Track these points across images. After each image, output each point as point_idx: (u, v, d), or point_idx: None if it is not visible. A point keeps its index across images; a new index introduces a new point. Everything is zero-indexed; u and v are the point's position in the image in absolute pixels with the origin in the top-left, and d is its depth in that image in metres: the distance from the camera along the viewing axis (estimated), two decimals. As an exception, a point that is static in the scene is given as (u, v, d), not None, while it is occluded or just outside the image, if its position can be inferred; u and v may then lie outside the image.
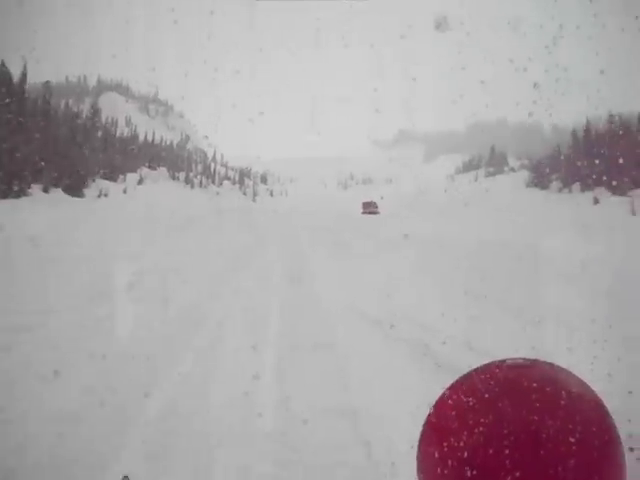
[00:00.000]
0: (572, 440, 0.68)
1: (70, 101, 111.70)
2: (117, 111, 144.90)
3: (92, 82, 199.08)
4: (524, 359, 0.79)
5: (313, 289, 10.39)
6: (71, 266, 12.74)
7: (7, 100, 51.53)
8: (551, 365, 0.78)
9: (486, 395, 0.71)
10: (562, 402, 0.71)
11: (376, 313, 8.60)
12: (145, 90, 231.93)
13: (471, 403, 0.72)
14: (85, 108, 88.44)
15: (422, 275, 11.77)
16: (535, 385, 0.72)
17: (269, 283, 11.55)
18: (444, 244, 16.51)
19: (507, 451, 0.66)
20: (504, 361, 0.79)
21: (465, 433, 0.69)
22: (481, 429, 0.68)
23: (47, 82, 64.64)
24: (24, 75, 57.53)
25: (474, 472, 0.67)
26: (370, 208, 48.70)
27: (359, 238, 19.82)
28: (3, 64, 55.73)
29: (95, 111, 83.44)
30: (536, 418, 0.68)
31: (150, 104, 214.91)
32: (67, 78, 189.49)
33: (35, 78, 67.57)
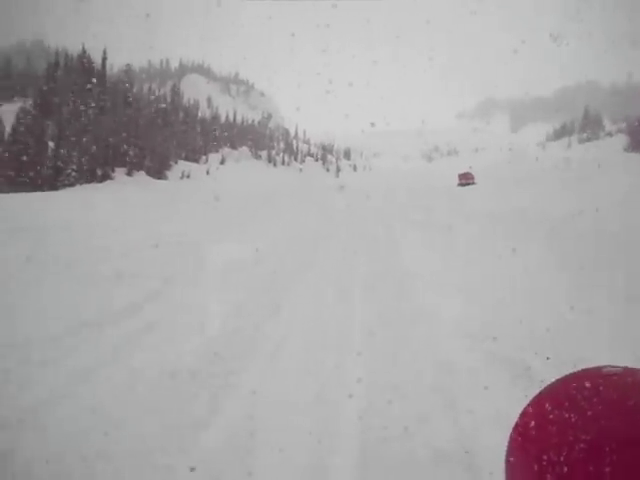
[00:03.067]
0: None
1: (153, 85, 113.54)
2: (199, 92, 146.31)
3: (174, 65, 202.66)
4: (624, 367, 0.77)
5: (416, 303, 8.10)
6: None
7: (89, 85, 51.98)
8: None
9: (589, 413, 0.70)
10: None
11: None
12: (226, 70, 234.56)
13: (573, 420, 0.71)
14: (167, 91, 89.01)
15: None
16: None
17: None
18: (556, 219, 14.11)
19: (608, 469, 0.65)
20: (600, 368, 0.78)
21: (565, 448, 0.69)
22: (582, 446, 0.68)
23: (128, 65, 64.97)
24: (104, 60, 57.94)
25: None
26: (467, 179, 47.15)
27: (456, 216, 16.95)
28: (84, 50, 56.25)
29: (176, 93, 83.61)
30: None
31: (231, 84, 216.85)
32: (150, 62, 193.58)
33: (119, 63, 68.34)
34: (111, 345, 5.63)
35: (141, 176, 53.34)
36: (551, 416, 0.73)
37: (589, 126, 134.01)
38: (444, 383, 4.76)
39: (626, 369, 0.77)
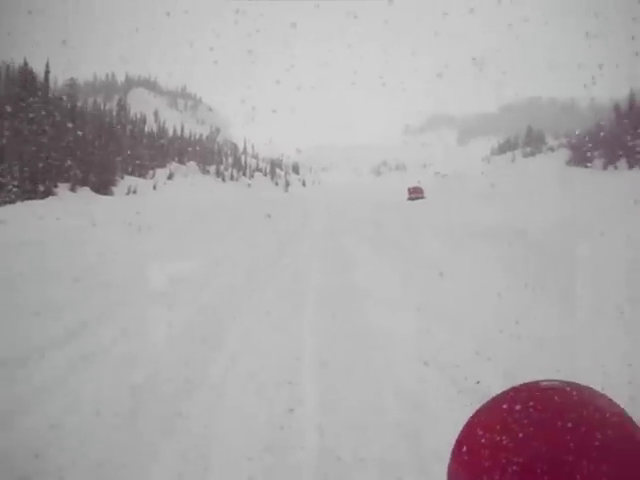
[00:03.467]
0: None
1: (98, 99, 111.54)
2: (146, 106, 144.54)
3: (120, 79, 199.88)
4: (560, 381, 0.78)
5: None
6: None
7: (31, 99, 50.59)
8: (589, 390, 0.77)
9: (520, 435, 0.70)
10: (596, 443, 0.69)
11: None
12: (173, 85, 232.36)
13: (504, 442, 0.71)
14: (113, 105, 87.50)
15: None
16: (570, 425, 0.70)
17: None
18: (508, 233, 14.15)
19: None
20: (536, 383, 0.78)
21: (499, 472, 0.69)
22: (515, 468, 0.68)
23: (71, 79, 63.58)
24: (47, 73, 56.56)
25: None
26: (416, 193, 46.72)
27: (408, 232, 16.50)
28: (25, 62, 54.77)
29: (122, 107, 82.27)
30: (570, 459, 0.68)
31: (179, 98, 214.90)
32: (95, 75, 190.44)
33: (62, 77, 66.85)
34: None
35: (85, 192, 52.09)
36: (483, 440, 0.73)
37: (532, 141, 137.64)
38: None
39: (561, 383, 0.77)
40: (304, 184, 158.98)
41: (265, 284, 10.35)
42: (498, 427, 0.73)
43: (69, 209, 29.61)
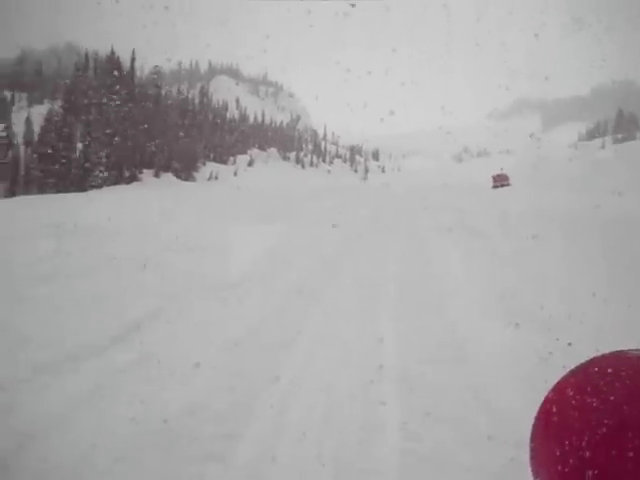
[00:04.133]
0: None
1: (182, 87, 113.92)
2: (228, 94, 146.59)
3: (204, 67, 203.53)
4: None
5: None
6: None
7: (117, 87, 51.96)
8: None
9: (611, 398, 0.70)
10: None
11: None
12: (255, 72, 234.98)
13: (595, 404, 0.70)
14: (196, 93, 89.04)
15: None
16: None
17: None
18: (598, 221, 13.09)
19: (631, 454, 0.65)
20: (623, 352, 0.77)
21: (588, 433, 0.69)
22: (604, 430, 0.68)
23: (156, 67, 64.99)
24: (133, 61, 58.05)
25: (596, 472, 0.67)
26: (501, 181, 45.15)
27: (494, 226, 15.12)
28: (113, 51, 56.28)
29: (204, 94, 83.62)
30: None
31: (260, 85, 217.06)
32: (180, 64, 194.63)
33: (149, 65, 68.41)
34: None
35: (168, 177, 53.23)
36: (573, 401, 0.74)
37: (623, 126, 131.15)
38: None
39: None
40: (383, 170, 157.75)
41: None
42: (589, 389, 0.73)
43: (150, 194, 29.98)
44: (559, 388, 0.78)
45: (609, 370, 0.74)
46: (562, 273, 8.52)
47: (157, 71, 64.51)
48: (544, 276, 8.47)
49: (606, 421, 0.68)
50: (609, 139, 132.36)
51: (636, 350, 0.77)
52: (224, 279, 8.73)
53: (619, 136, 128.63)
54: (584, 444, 0.68)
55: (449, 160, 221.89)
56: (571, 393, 0.75)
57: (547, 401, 0.78)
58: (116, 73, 53.29)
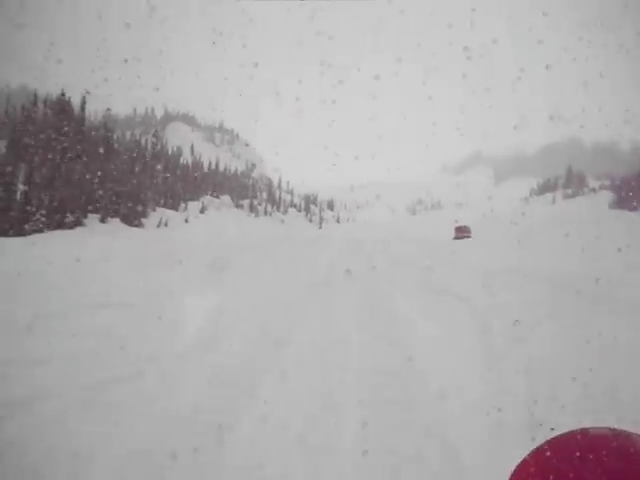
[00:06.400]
0: None
1: (136, 132, 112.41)
2: (183, 140, 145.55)
3: (160, 113, 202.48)
4: (609, 428, 0.76)
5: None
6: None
7: (66, 128, 50.23)
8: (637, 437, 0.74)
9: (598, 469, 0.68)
10: None
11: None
12: (211, 120, 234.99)
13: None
14: (149, 137, 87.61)
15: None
16: (622, 466, 0.69)
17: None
18: (573, 282, 12.00)
19: None
20: (587, 430, 0.76)
21: None
22: None
23: (108, 110, 63.46)
24: (84, 104, 56.46)
25: None
26: (463, 232, 45.64)
27: (459, 278, 13.70)
28: (63, 93, 54.67)
29: (157, 138, 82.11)
30: None
31: (216, 133, 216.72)
32: (135, 110, 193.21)
33: (101, 110, 66.67)
34: None
35: (115, 223, 51.16)
36: (571, 475, 0.71)
37: (573, 182, 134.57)
38: None
39: (611, 429, 0.76)
40: (338, 221, 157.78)
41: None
42: (551, 468, 0.72)
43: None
44: (525, 472, 0.75)
45: (571, 451, 0.72)
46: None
47: (108, 114, 63.00)
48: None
49: None
50: (559, 194, 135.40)
51: (595, 428, 0.76)
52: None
53: (569, 191, 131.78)
54: None
55: (404, 212, 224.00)
56: (563, 466, 0.72)
57: (526, 473, 0.74)
58: (66, 116, 51.61)
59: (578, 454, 0.70)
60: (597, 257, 16.01)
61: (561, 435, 0.77)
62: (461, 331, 8.34)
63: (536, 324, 7.98)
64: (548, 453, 0.73)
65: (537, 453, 0.75)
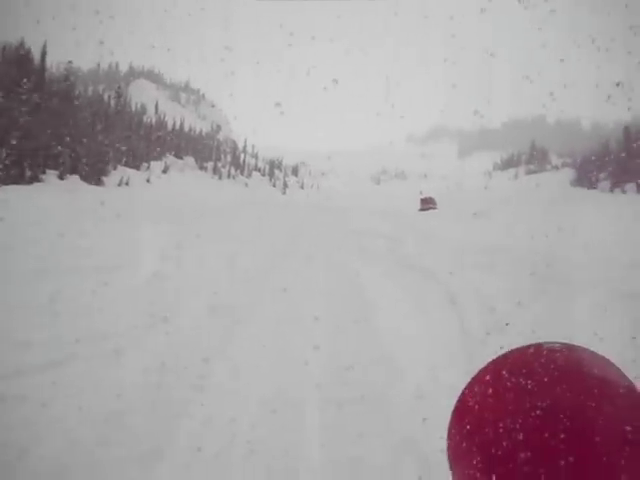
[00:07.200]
0: (628, 429, 0.68)
1: (99, 87, 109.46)
2: (147, 98, 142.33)
3: (124, 69, 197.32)
4: (561, 343, 0.80)
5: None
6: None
7: (24, 80, 48.50)
8: (593, 352, 0.79)
9: (545, 379, 0.72)
10: (620, 390, 0.72)
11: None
12: (177, 78, 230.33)
13: (529, 386, 0.72)
14: (112, 94, 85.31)
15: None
16: (595, 372, 0.73)
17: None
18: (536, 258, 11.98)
19: (562, 435, 0.67)
20: (541, 344, 0.80)
21: (521, 415, 0.70)
22: (538, 412, 0.69)
23: (69, 62, 61.41)
24: (44, 55, 54.54)
25: (528, 454, 0.68)
26: (429, 204, 44.91)
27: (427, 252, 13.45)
28: (22, 42, 52.74)
29: (119, 94, 79.98)
30: (593, 405, 0.69)
31: (182, 92, 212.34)
32: (99, 65, 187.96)
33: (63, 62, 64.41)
34: None
35: (74, 181, 49.94)
36: (508, 383, 0.74)
37: (536, 158, 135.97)
38: None
39: (563, 344, 0.79)
40: (302, 187, 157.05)
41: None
42: (524, 370, 0.74)
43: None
44: (494, 368, 0.79)
45: (544, 352, 0.76)
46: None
47: (69, 67, 60.93)
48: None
49: (539, 403, 0.69)
50: (522, 170, 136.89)
51: (552, 342, 0.80)
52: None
53: (531, 167, 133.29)
54: (518, 426, 0.69)
55: (368, 180, 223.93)
56: (507, 375, 0.75)
57: (479, 382, 0.78)
58: (24, 66, 49.87)
59: (557, 354, 0.74)
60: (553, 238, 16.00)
61: (519, 348, 0.79)
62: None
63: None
64: (530, 349, 0.77)
65: (513, 354, 0.78)
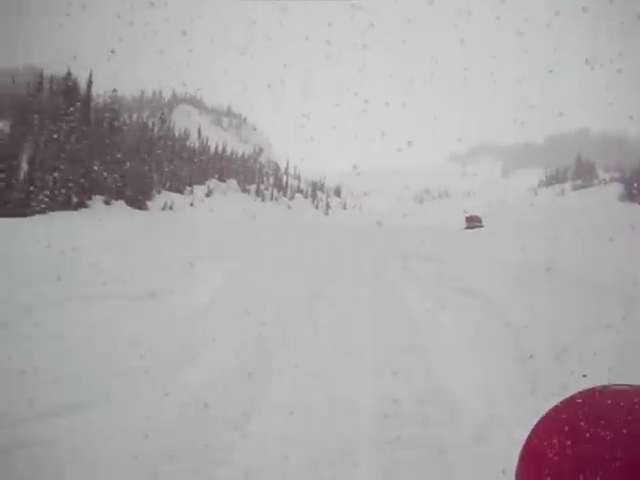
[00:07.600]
0: None
1: (143, 114, 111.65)
2: (190, 123, 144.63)
3: (167, 96, 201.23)
4: (629, 385, 0.78)
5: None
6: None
7: (71, 109, 49.56)
8: None
9: (624, 430, 0.70)
10: None
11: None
12: (219, 103, 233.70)
13: (609, 437, 0.70)
14: (156, 120, 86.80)
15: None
16: None
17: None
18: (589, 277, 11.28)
19: None
20: (606, 387, 0.78)
21: (602, 468, 0.68)
22: (618, 464, 0.67)
23: (114, 91, 62.53)
24: (90, 84, 55.72)
25: None
26: (474, 222, 44.53)
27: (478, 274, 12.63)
28: (69, 72, 53.94)
29: (163, 120, 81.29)
30: None
31: (223, 117, 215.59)
32: (143, 92, 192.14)
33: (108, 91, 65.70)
34: None
35: (120, 205, 50.63)
36: (587, 434, 0.72)
37: (582, 173, 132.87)
38: None
39: (632, 387, 0.77)
40: (345, 207, 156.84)
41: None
42: (602, 422, 0.73)
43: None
44: (568, 418, 0.75)
45: (608, 402, 0.74)
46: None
47: (114, 95, 62.06)
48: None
49: (619, 454, 0.68)
50: (568, 186, 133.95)
51: (618, 385, 0.78)
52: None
53: (578, 182, 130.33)
54: (598, 479, 0.67)
55: (410, 200, 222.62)
56: (582, 424, 0.73)
57: (556, 431, 0.75)
58: (72, 95, 50.98)
59: (622, 404, 0.72)
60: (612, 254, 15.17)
61: (581, 393, 0.77)
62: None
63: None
64: (579, 400, 0.75)
65: (569, 401, 0.76)
